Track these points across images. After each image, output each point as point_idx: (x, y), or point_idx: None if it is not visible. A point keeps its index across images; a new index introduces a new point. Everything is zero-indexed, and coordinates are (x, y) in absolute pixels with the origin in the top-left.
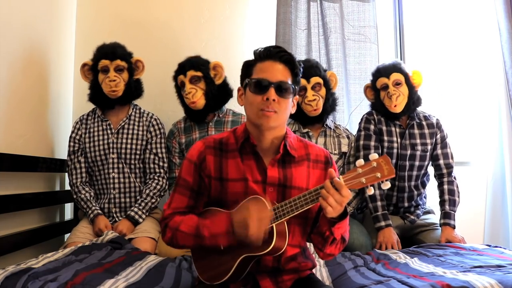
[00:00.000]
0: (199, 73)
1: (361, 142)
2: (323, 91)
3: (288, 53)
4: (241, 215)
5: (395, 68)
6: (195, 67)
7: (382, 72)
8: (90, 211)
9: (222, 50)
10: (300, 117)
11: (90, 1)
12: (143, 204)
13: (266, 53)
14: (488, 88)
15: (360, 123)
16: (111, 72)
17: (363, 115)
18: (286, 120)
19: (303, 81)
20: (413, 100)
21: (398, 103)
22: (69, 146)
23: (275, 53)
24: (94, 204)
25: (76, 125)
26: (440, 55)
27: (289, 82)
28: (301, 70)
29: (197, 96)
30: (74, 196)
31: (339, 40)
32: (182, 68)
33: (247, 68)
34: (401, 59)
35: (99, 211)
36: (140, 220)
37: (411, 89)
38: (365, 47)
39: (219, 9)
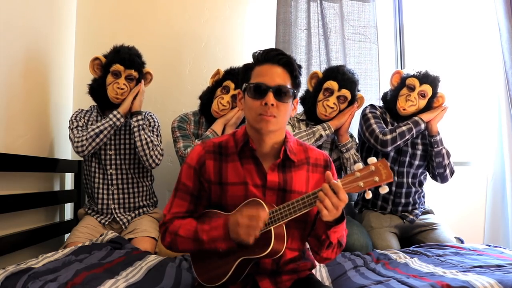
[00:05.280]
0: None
1: (372, 121)
2: (344, 105)
3: (287, 56)
4: (234, 220)
5: (432, 81)
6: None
7: (420, 76)
8: (113, 114)
9: (222, 50)
10: (309, 111)
11: (90, 0)
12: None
13: (264, 57)
14: (488, 88)
15: (364, 110)
16: (122, 79)
17: (367, 105)
18: (286, 123)
19: (334, 85)
20: (422, 112)
21: (408, 111)
22: (72, 123)
23: (273, 56)
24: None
25: (77, 112)
26: (440, 55)
27: (288, 86)
28: (301, 72)
29: (224, 112)
30: (84, 143)
31: (339, 40)
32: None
33: (246, 71)
34: (401, 59)
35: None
36: (142, 112)
37: (428, 105)
38: (365, 47)
39: (219, 9)
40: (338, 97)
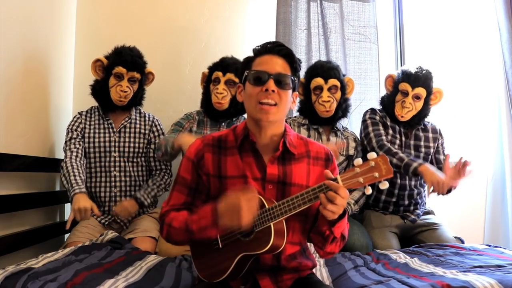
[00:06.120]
0: (237, 79)
1: (370, 129)
2: (338, 94)
3: (286, 47)
4: (228, 205)
5: (424, 83)
6: (237, 71)
7: (411, 79)
8: (74, 187)
9: (222, 50)
10: (311, 115)
11: (90, 1)
12: (149, 189)
13: (264, 48)
14: (488, 88)
15: (364, 115)
16: (125, 81)
17: (369, 108)
18: (285, 115)
19: (320, 81)
20: (423, 114)
21: (406, 117)
22: (68, 134)
23: (273, 47)
24: (81, 182)
25: (76, 118)
26: (440, 55)
27: (289, 74)
28: (300, 66)
29: (226, 100)
30: (63, 170)
31: (339, 40)
32: (225, 66)
33: (246, 63)
34: (401, 59)
35: (84, 190)
36: (145, 202)
37: (426, 105)
38: (365, 47)
39: (219, 9)
40: (329, 89)
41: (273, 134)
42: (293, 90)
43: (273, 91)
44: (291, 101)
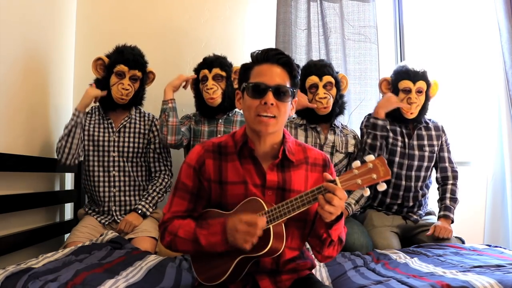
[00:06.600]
0: (223, 73)
1: (364, 138)
2: (333, 91)
3: (286, 55)
4: (232, 225)
5: (423, 76)
6: (221, 66)
7: (411, 75)
8: (73, 113)
9: (222, 50)
10: (308, 115)
11: (90, 0)
12: (150, 198)
13: (263, 56)
14: (488, 88)
15: (362, 122)
16: (126, 79)
17: (367, 115)
18: (285, 123)
19: (315, 79)
20: (425, 109)
21: (415, 112)
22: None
23: (273, 56)
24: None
25: None
26: (440, 55)
27: (288, 85)
28: (299, 72)
29: (217, 94)
30: (60, 155)
31: (339, 40)
32: (209, 63)
33: (245, 71)
34: (401, 59)
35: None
36: (148, 213)
37: (427, 99)
38: (365, 47)
39: (219, 9)
40: (324, 86)
41: (273, 142)
42: (293, 97)
43: (272, 104)
44: (290, 109)
